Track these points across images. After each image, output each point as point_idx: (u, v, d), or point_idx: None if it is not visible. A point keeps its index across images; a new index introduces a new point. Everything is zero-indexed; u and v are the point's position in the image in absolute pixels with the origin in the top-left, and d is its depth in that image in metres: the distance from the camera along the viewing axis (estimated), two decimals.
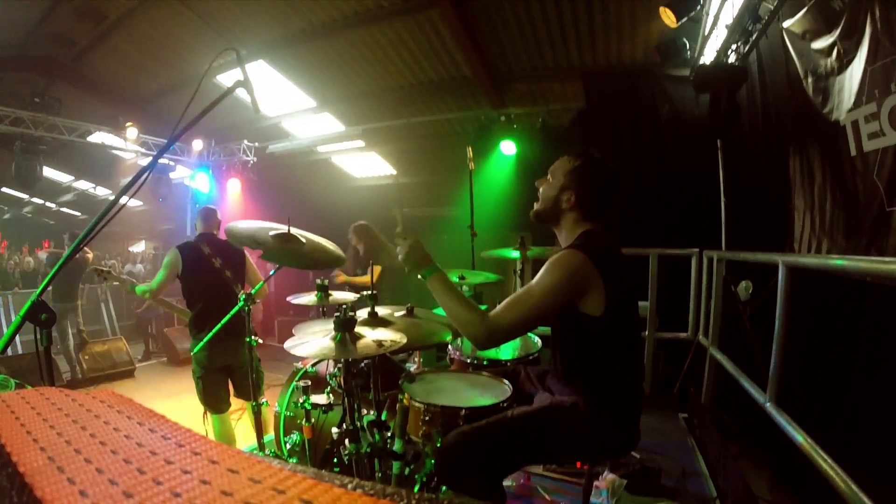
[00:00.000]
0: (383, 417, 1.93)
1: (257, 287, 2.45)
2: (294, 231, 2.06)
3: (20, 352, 4.63)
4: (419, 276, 1.52)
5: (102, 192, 11.00)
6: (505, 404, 1.62)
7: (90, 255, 6.07)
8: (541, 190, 1.62)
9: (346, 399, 1.83)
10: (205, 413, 2.85)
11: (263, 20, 5.03)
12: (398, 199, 2.02)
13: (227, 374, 2.87)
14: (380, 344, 1.55)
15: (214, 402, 2.83)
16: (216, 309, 2.60)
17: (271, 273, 2.48)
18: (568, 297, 1.41)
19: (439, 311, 1.71)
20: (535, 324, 1.46)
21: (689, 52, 3.68)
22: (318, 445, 2.06)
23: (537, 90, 5.55)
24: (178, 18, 5.11)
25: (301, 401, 2.04)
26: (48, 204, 12.74)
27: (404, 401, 1.69)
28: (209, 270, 2.87)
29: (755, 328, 2.86)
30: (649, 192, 4.24)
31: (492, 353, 2.34)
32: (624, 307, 1.48)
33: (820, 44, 2.57)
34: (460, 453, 1.42)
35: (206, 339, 2.43)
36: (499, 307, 1.43)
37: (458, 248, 3.77)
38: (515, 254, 2.86)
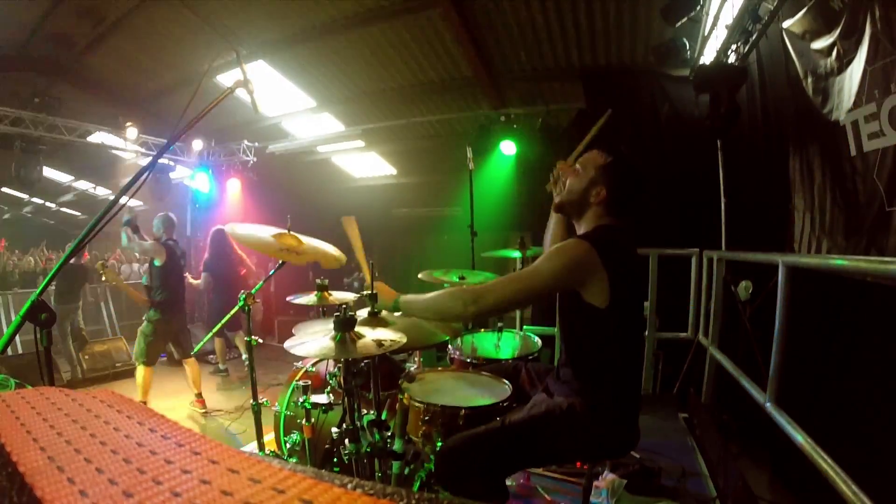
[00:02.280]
0: (383, 417, 1.93)
1: (258, 287, 2.46)
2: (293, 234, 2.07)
3: (20, 352, 4.63)
4: (394, 313, 1.62)
5: (102, 192, 11.00)
6: (505, 404, 1.62)
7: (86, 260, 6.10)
8: (567, 181, 1.60)
9: (346, 399, 1.83)
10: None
11: (263, 20, 5.03)
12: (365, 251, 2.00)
13: (173, 337, 4.04)
14: (380, 344, 1.55)
15: (152, 356, 3.89)
16: (179, 299, 4.09)
17: (271, 273, 2.48)
18: (565, 284, 1.43)
19: None
20: (526, 302, 1.51)
21: (688, 53, 3.68)
22: (318, 445, 2.06)
23: (537, 90, 5.55)
24: (178, 18, 5.11)
25: (301, 400, 2.04)
26: (48, 204, 12.74)
27: (404, 401, 1.69)
28: (180, 270, 4.11)
29: (755, 328, 2.86)
30: (649, 191, 4.24)
31: (492, 352, 2.34)
32: (630, 303, 1.48)
33: (820, 44, 2.57)
34: (459, 459, 1.42)
35: (212, 333, 2.62)
36: (493, 280, 1.48)
37: (458, 248, 3.78)
38: (515, 254, 2.86)
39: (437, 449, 1.54)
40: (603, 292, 1.40)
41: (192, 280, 5.53)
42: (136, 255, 4.45)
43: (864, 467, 1.60)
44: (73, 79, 6.28)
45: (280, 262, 2.20)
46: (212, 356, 6.04)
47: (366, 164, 8.19)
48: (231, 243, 5.26)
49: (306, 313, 6.09)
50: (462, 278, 2.70)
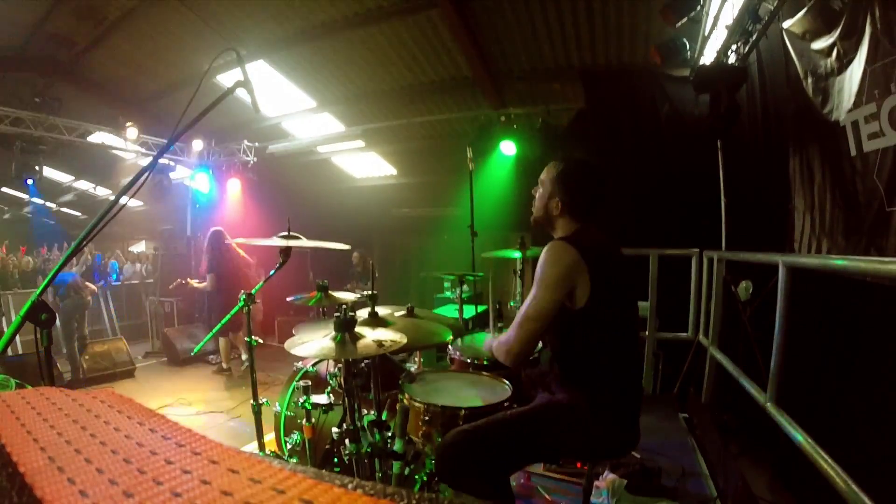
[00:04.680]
0: (383, 417, 1.93)
1: (258, 287, 2.46)
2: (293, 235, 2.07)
3: (20, 352, 4.63)
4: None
5: (102, 192, 11.00)
6: (505, 404, 1.62)
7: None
8: (535, 197, 1.67)
9: (346, 399, 1.83)
10: None
11: (263, 20, 5.03)
12: None
13: None
14: (380, 344, 1.56)
15: None
16: None
17: (271, 273, 2.48)
18: (564, 292, 1.44)
19: (439, 311, 1.72)
20: (544, 326, 1.46)
21: (689, 53, 3.67)
22: (318, 445, 2.06)
23: (537, 90, 5.55)
24: (178, 18, 5.11)
25: (301, 401, 2.04)
26: (48, 204, 12.73)
27: (404, 401, 1.69)
28: None
29: (755, 328, 2.86)
30: (649, 191, 4.24)
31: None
32: (611, 301, 1.48)
33: (820, 44, 2.57)
34: (460, 452, 1.42)
35: (212, 333, 2.69)
36: (512, 327, 1.49)
37: (458, 248, 3.78)
38: (515, 254, 2.85)
39: (438, 443, 1.54)
40: (583, 292, 1.42)
41: (195, 283, 5.47)
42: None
43: (864, 467, 1.60)
44: (73, 79, 6.28)
45: (280, 262, 2.20)
46: (212, 356, 6.05)
47: (366, 165, 8.18)
48: (229, 243, 5.27)
49: (306, 313, 6.11)
50: (462, 280, 2.70)
